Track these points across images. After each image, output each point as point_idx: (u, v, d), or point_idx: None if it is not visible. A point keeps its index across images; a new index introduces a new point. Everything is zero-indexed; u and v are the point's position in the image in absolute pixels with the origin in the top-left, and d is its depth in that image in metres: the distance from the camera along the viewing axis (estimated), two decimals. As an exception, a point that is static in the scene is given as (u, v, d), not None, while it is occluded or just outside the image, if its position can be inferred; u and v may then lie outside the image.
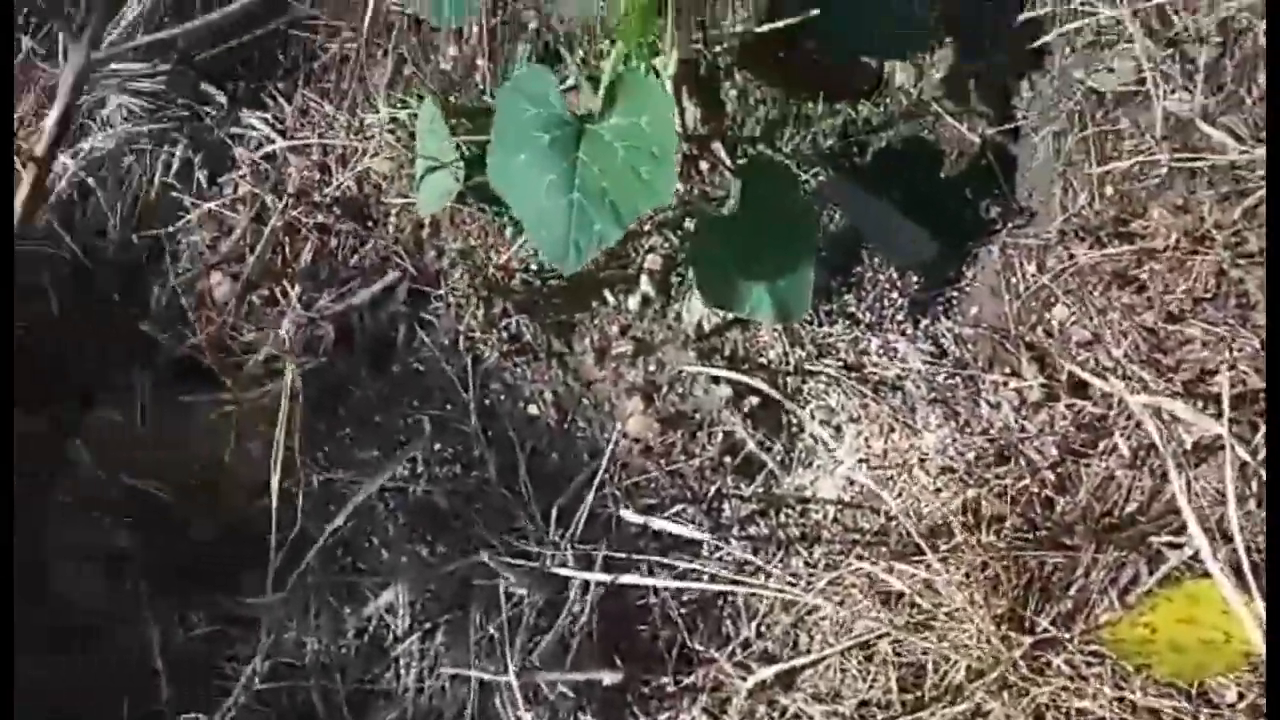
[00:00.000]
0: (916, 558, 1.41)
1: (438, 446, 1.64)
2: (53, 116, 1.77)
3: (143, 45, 1.84)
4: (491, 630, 1.44)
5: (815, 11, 1.47)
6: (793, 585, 1.44)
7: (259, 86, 1.89)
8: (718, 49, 1.70)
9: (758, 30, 1.63)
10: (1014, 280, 1.64)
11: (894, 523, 1.48)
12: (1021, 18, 1.71)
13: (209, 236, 1.82)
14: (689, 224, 1.63)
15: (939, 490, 1.50)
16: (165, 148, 1.86)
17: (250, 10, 1.84)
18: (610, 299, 1.65)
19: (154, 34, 1.87)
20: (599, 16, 1.26)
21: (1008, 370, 1.59)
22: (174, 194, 1.84)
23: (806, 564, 1.49)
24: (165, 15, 1.93)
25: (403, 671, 1.56)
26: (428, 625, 1.55)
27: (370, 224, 1.78)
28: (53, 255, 1.84)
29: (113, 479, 1.71)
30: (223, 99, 1.89)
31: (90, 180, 1.86)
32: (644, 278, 1.63)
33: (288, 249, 1.79)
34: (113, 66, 1.86)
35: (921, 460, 1.51)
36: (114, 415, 1.76)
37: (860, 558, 1.43)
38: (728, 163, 1.56)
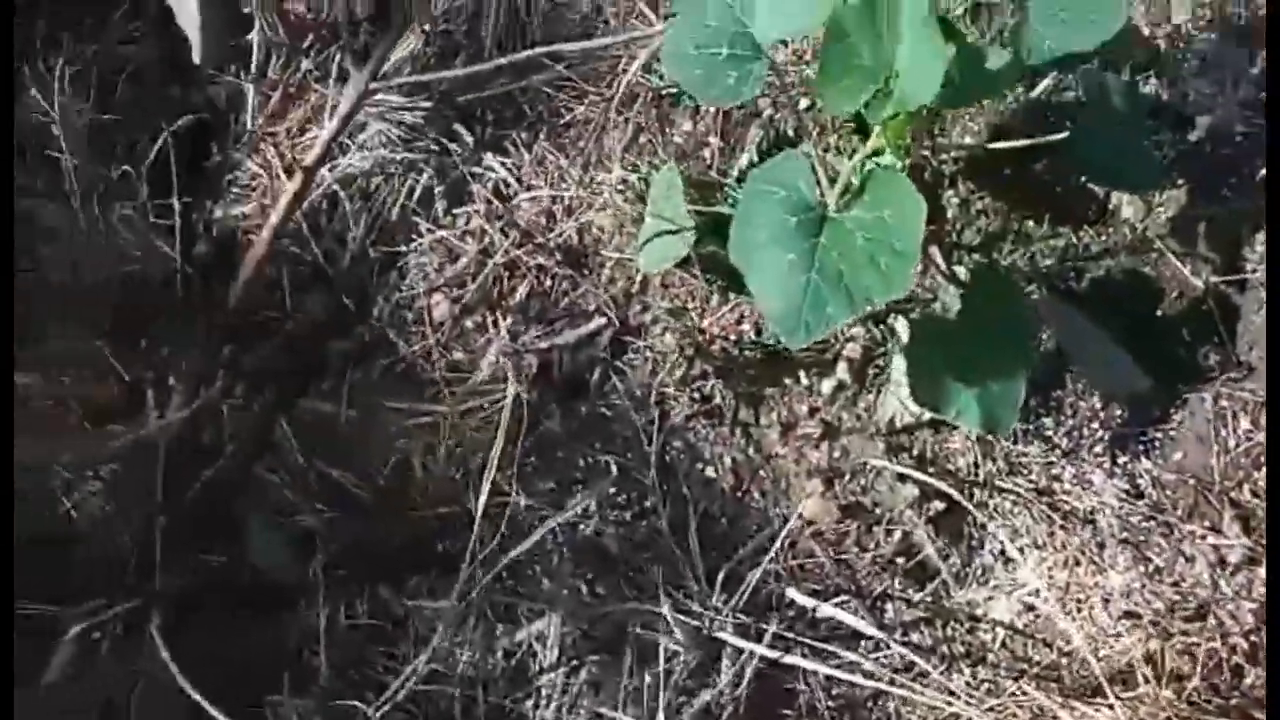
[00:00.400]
0: (1091, 699, 1.36)
1: (613, 490, 1.70)
2: (327, 133, 1.98)
3: (409, 82, 2.05)
4: (646, 678, 1.47)
5: (1060, 136, 1.50)
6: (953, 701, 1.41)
7: (504, 134, 2.05)
8: (944, 156, 1.75)
9: (989, 146, 1.67)
10: (1225, 433, 1.59)
11: (1068, 659, 1.43)
12: (1265, 171, 1.68)
13: (437, 260, 1.97)
14: (893, 320, 1.66)
15: (1119, 634, 1.44)
16: (412, 175, 2.04)
17: (511, 66, 2.02)
18: (804, 379, 1.69)
19: (421, 75, 2.07)
20: (852, 112, 1.33)
21: (1208, 524, 1.53)
22: (413, 217, 2.01)
23: (968, 684, 1.46)
24: (431, 59, 2.14)
25: (543, 701, 1.60)
26: (575, 662, 1.59)
27: (585, 272, 1.89)
28: (296, 255, 2.03)
29: (311, 465, 1.85)
30: (470, 139, 2.06)
31: (341, 193, 2.05)
32: (841, 364, 1.66)
33: (505, 282, 1.92)
34: (380, 96, 2.06)
35: (1105, 600, 1.46)
36: (323, 406, 1.91)
37: (1028, 688, 1.38)
38: (944, 267, 1.59)
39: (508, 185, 2.01)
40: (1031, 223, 1.72)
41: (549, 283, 1.90)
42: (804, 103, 1.86)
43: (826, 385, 1.66)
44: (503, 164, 2.02)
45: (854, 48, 1.27)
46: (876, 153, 1.37)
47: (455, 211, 2.02)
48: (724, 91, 1.38)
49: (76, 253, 1.96)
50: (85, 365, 1.93)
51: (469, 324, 1.90)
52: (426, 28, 2.11)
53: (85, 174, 2.05)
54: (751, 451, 1.68)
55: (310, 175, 1.95)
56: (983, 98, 1.56)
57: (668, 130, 1.95)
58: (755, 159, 1.83)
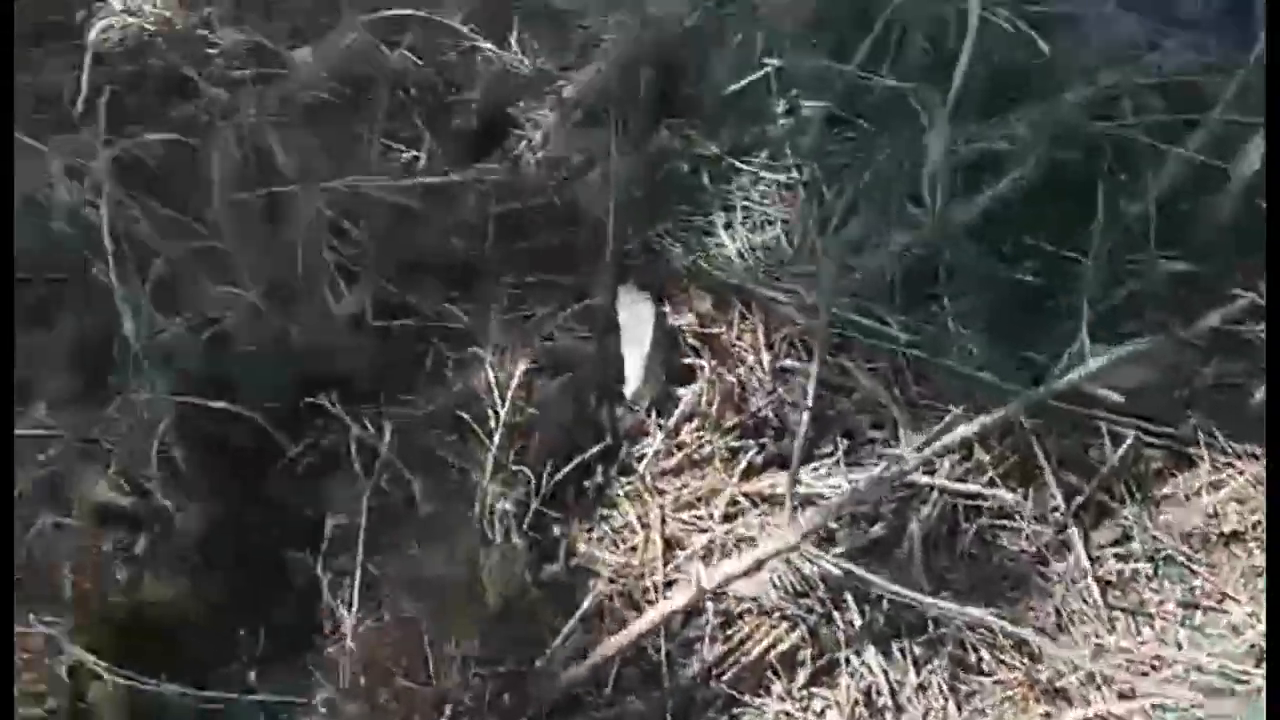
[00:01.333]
0: None
1: None
2: (739, 568, 1.88)
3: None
4: None
5: None
6: None
7: (895, 634, 1.90)
8: None
9: None
10: None
11: None
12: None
13: (779, 737, 1.81)
14: None
15: None
16: (785, 625, 1.91)
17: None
18: None
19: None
20: None
21: None
22: (768, 672, 1.87)
23: None
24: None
25: None
26: None
27: None
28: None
29: None
30: (858, 621, 1.92)
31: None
32: None
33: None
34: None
35: None
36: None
37: None
38: None
39: (879, 694, 1.85)
40: None
41: None
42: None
43: None
44: (883, 670, 1.87)
45: None
46: None
47: (814, 690, 1.86)
48: None
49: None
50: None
51: None
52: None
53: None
54: None
55: (703, 596, 1.87)
56: None
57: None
58: None
